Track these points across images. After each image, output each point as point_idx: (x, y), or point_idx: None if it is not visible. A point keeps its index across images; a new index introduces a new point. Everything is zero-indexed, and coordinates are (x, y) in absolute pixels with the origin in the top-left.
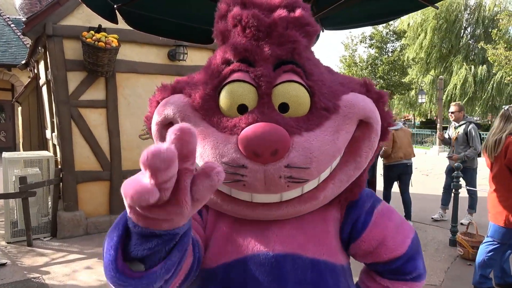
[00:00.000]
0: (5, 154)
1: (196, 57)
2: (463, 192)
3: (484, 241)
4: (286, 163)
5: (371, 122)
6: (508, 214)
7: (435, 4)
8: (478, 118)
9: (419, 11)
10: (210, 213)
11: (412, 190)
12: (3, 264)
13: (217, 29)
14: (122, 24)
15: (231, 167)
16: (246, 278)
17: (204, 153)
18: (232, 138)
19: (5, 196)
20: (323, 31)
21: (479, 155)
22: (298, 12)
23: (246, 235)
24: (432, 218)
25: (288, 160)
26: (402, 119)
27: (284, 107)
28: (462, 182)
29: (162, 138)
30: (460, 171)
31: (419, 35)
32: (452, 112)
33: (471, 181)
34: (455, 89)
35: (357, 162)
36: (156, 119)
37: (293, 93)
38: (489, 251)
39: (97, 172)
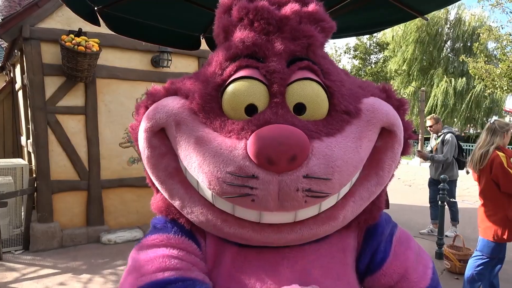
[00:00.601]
0: None
1: (181, 64)
2: None
3: (473, 255)
4: (305, 173)
5: (395, 130)
6: (497, 228)
7: (425, 16)
8: (456, 130)
9: (402, 24)
10: (209, 242)
11: (395, 201)
12: None
13: (220, 24)
14: (103, 29)
15: (238, 178)
16: None
17: (203, 163)
18: (239, 143)
19: None
20: None
21: (461, 167)
22: (311, 6)
23: (253, 271)
24: (420, 232)
25: (307, 169)
26: None
27: (299, 108)
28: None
29: (152, 147)
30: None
31: (401, 47)
32: (429, 126)
33: (449, 193)
34: (436, 100)
35: (379, 176)
36: (144, 125)
37: (310, 92)
38: (478, 265)
39: (74, 182)
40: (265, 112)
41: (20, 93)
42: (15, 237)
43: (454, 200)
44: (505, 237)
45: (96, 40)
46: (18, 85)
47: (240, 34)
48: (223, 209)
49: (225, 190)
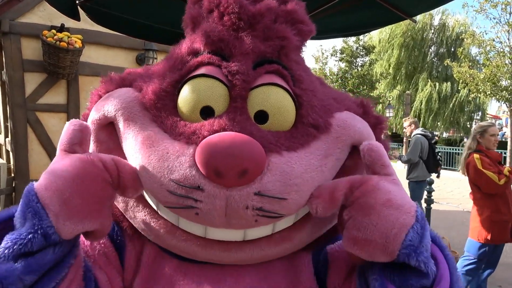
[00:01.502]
0: None
1: None
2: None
3: (462, 256)
4: (257, 190)
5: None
6: (481, 229)
7: (413, 18)
8: (437, 133)
9: (387, 28)
10: (147, 252)
11: None
12: None
13: (188, 14)
14: (87, 25)
15: (182, 187)
16: None
17: (148, 166)
18: (188, 149)
19: None
20: None
21: (430, 169)
22: (290, 5)
23: (192, 286)
24: None
25: (260, 186)
26: None
27: (262, 116)
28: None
29: (98, 142)
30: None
31: (387, 51)
32: (404, 128)
33: (412, 195)
34: (421, 104)
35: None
36: (92, 117)
37: (275, 99)
38: (464, 266)
39: None
40: (221, 117)
41: None
42: None
43: (417, 202)
44: (489, 238)
45: (79, 36)
46: None
47: (206, 27)
48: (167, 219)
49: (168, 199)
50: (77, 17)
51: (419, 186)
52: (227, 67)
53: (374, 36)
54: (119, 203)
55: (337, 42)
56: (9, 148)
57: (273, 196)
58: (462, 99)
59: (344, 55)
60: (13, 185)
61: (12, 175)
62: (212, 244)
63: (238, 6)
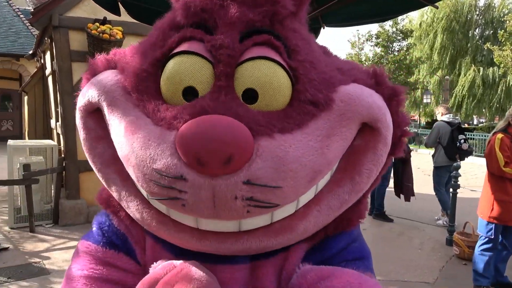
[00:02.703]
0: (10, 142)
1: None
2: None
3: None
4: (245, 178)
5: (379, 126)
6: (487, 207)
7: (435, 4)
8: (484, 120)
9: (429, 11)
10: (148, 244)
11: (423, 190)
12: (5, 249)
13: None
14: (126, 17)
15: (165, 178)
16: None
17: (132, 155)
18: (169, 135)
19: (9, 182)
20: (323, 28)
21: (449, 156)
22: None
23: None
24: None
25: (248, 174)
26: None
27: (250, 95)
28: (460, 181)
29: (87, 129)
30: None
31: (429, 34)
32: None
33: (434, 181)
34: (463, 90)
35: (354, 182)
36: (79, 102)
37: (265, 75)
38: (479, 246)
39: None
40: (205, 97)
41: (50, 79)
42: (45, 212)
43: (439, 189)
44: (493, 216)
45: (120, 28)
46: (48, 70)
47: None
48: (159, 209)
49: (152, 189)
50: (117, 13)
51: (438, 172)
52: (210, 41)
53: (415, 20)
54: (113, 192)
55: (373, 27)
56: (59, 131)
57: (265, 184)
58: (510, 84)
59: (380, 39)
60: (64, 164)
61: (63, 155)
62: (207, 235)
63: None
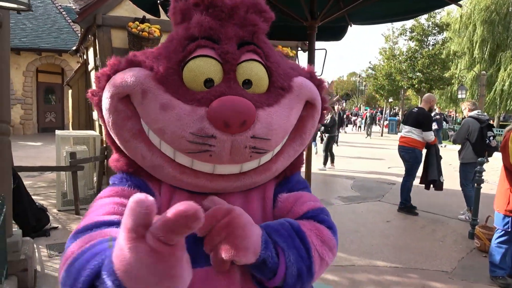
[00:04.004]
0: (58, 132)
1: None
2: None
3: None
4: (252, 134)
5: (315, 103)
6: (502, 200)
7: (459, 2)
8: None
9: (469, 3)
10: (163, 191)
11: (444, 185)
12: (55, 228)
13: (176, 7)
14: (163, 16)
15: (199, 137)
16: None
17: (167, 126)
18: (200, 110)
19: (58, 168)
20: (350, 26)
21: (477, 153)
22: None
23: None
24: (459, 218)
25: (253, 131)
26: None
27: (247, 83)
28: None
29: (117, 111)
30: None
31: (467, 27)
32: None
33: (460, 176)
34: (503, 86)
35: (302, 138)
36: (111, 91)
37: (256, 71)
38: (496, 239)
39: None
40: (220, 85)
41: (92, 73)
42: (89, 196)
43: (465, 185)
44: (509, 209)
45: (157, 26)
46: (90, 66)
47: (198, 18)
48: (182, 163)
49: (188, 147)
50: (157, 14)
51: (465, 168)
52: (220, 49)
53: (453, 13)
54: (138, 157)
55: (407, 21)
56: (101, 123)
57: (262, 137)
58: None
59: (414, 33)
60: (105, 154)
61: (104, 145)
62: (217, 177)
63: (219, 1)
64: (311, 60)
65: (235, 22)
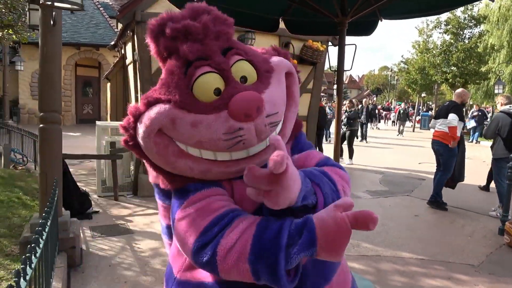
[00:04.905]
0: (98, 123)
1: (261, 41)
2: None
3: None
4: (266, 114)
5: (292, 71)
6: None
7: None
8: None
9: None
10: (224, 186)
11: (477, 181)
12: (97, 212)
13: (159, 46)
14: None
15: (230, 133)
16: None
17: (202, 137)
18: (222, 113)
19: (99, 157)
20: (381, 21)
21: (510, 149)
22: (214, 12)
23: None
24: (490, 215)
25: (266, 112)
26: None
27: (243, 79)
28: None
29: (157, 145)
30: None
31: (507, 19)
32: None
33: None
34: None
35: (295, 102)
36: (146, 132)
37: (245, 67)
38: None
39: None
40: (227, 89)
41: (130, 67)
42: (127, 184)
43: (500, 181)
44: None
45: None
46: (128, 60)
47: (185, 47)
48: (223, 159)
49: (225, 145)
50: None
51: (497, 164)
52: (212, 63)
53: (493, 4)
54: (187, 170)
55: (442, 13)
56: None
57: (273, 113)
58: None
59: (449, 26)
60: None
61: None
62: (253, 158)
63: (192, 27)
64: (341, 56)
65: (211, 37)
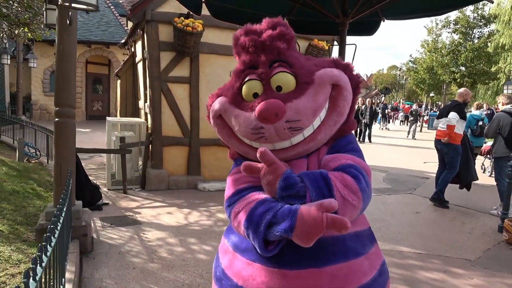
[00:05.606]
0: (108, 118)
1: None
2: None
3: None
4: (286, 120)
5: (340, 83)
6: None
7: None
8: None
9: None
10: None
11: (481, 180)
12: (107, 204)
13: (235, 51)
14: (206, 11)
15: (255, 129)
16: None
17: (240, 127)
18: (252, 114)
19: (110, 151)
20: (383, 21)
21: (510, 147)
22: (278, 29)
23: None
24: (491, 213)
25: (286, 118)
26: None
27: (279, 87)
28: None
29: (217, 125)
30: None
31: None
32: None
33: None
34: None
35: (337, 112)
36: (212, 115)
37: (283, 78)
38: None
39: (179, 138)
40: (262, 95)
41: (139, 65)
42: (135, 178)
43: (501, 179)
44: None
45: (201, 21)
46: (138, 58)
47: (244, 57)
48: (256, 147)
49: (251, 137)
50: (198, 12)
51: (498, 163)
52: (257, 72)
53: (504, 2)
54: (234, 147)
55: (452, 12)
56: (147, 111)
57: (293, 120)
58: None
59: (458, 26)
60: (150, 139)
61: (149, 131)
62: (279, 151)
63: (253, 41)
64: (342, 55)
65: (265, 51)
